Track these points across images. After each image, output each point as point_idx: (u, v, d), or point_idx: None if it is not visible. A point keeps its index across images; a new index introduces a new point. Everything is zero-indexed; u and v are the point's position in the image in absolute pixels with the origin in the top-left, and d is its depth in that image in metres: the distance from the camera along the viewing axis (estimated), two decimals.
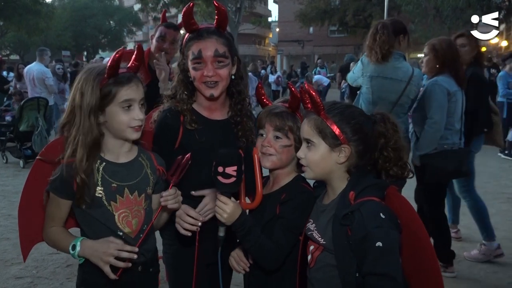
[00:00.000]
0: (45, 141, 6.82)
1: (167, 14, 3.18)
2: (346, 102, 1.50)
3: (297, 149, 1.57)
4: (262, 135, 1.63)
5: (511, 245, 3.90)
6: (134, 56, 1.52)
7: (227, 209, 1.44)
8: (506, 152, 7.59)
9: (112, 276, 1.42)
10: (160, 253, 1.84)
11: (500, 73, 8.10)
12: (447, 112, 3.10)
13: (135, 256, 1.44)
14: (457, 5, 15.81)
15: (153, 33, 3.08)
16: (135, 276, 1.56)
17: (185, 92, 1.75)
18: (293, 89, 1.58)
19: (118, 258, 1.42)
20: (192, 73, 1.69)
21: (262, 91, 1.72)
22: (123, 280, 1.51)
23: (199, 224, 1.57)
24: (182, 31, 2.87)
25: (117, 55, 1.43)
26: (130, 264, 1.44)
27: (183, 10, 1.67)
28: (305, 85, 1.47)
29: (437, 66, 3.17)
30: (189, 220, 1.57)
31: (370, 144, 1.42)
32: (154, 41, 3.01)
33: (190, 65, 1.69)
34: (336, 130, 1.37)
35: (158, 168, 1.63)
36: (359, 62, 3.33)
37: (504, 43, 29.18)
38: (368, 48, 3.12)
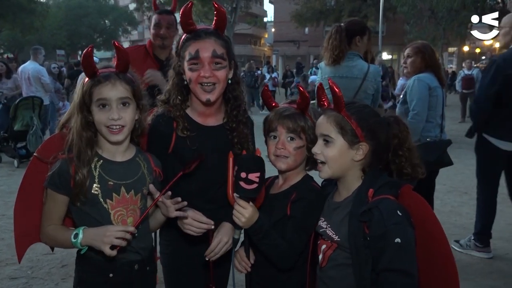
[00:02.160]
0: (40, 141, 6.77)
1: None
2: (362, 102, 1.56)
3: (308, 149, 1.58)
4: (274, 137, 1.62)
5: (506, 245, 3.94)
6: (116, 56, 1.52)
7: (246, 213, 1.44)
8: None
9: (113, 253, 1.42)
10: (159, 254, 1.84)
11: None
12: (429, 106, 3.28)
13: (133, 232, 1.44)
14: (452, 6, 15.95)
15: (149, 23, 3.17)
16: (132, 275, 1.56)
17: (179, 97, 1.70)
18: (302, 89, 1.60)
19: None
20: (188, 74, 1.64)
21: (269, 93, 1.72)
22: (120, 279, 1.52)
23: (212, 227, 1.58)
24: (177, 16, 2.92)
25: (85, 53, 1.46)
26: (125, 243, 1.44)
27: (181, 10, 1.64)
28: (329, 81, 1.49)
29: (423, 66, 3.37)
30: (202, 226, 1.57)
31: (385, 144, 1.45)
32: (151, 30, 3.08)
33: (186, 66, 1.64)
34: (357, 128, 1.40)
35: (154, 169, 1.63)
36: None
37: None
38: (324, 50, 3.31)
